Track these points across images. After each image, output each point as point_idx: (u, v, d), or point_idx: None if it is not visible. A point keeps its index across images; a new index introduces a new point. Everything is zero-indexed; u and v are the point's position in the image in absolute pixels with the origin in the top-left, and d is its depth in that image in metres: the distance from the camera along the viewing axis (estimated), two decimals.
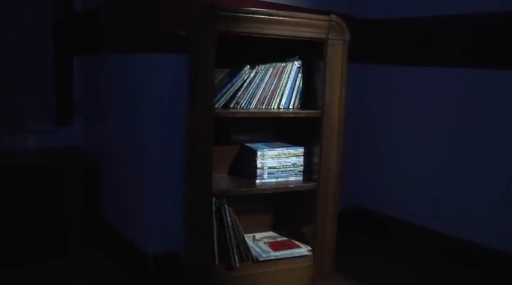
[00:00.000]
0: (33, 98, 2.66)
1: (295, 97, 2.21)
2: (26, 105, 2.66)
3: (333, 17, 2.06)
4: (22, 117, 2.64)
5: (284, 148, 2.21)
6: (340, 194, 2.21)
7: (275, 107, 2.19)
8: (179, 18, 2.12)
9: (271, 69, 2.16)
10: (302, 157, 2.23)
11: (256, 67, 2.14)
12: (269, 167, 2.18)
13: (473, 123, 2.57)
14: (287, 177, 2.22)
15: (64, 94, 2.76)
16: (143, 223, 2.28)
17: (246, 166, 2.24)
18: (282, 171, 2.21)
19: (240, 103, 2.12)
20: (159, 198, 2.23)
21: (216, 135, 2.00)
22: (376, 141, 3.06)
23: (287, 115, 2.17)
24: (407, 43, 2.85)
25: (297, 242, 2.29)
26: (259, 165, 2.17)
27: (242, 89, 2.12)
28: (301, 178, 2.23)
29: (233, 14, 1.90)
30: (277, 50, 2.23)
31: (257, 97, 2.15)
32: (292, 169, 2.22)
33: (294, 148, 2.23)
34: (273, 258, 2.17)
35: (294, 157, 2.22)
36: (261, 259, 2.14)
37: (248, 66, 2.12)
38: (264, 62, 2.15)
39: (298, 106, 2.22)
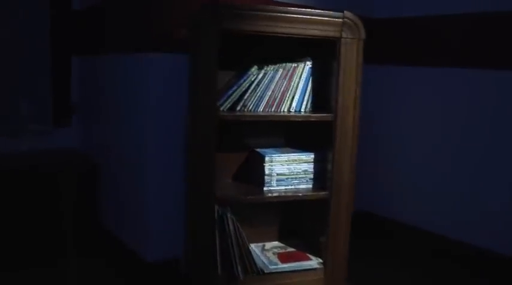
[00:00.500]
0: (30, 98, 2.59)
1: (307, 100, 2.08)
2: (23, 106, 2.58)
3: (347, 14, 1.91)
4: (18, 117, 2.57)
5: (294, 154, 2.08)
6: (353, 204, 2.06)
7: (285, 110, 2.05)
8: (180, 17, 2.03)
9: (281, 70, 2.03)
10: (314, 163, 2.10)
11: (265, 68, 2.01)
12: (278, 174, 2.05)
13: (477, 124, 2.51)
14: (297, 185, 2.08)
15: (61, 95, 2.68)
16: (142, 228, 2.20)
17: (254, 172, 2.12)
18: (292, 178, 2.07)
19: (248, 106, 2.00)
20: (159, 202, 2.14)
21: (221, 139, 1.89)
22: (380, 142, 3.00)
23: (296, 119, 2.04)
24: (411, 43, 2.76)
25: (307, 254, 2.15)
26: (267, 171, 2.04)
27: (249, 91, 2.00)
28: (312, 186, 2.09)
29: (236, 11, 1.79)
30: (288, 50, 2.09)
31: (266, 99, 2.02)
32: (303, 176, 2.08)
33: (306, 153, 2.09)
34: (280, 270, 2.04)
35: (305, 164, 2.08)
36: (267, 271, 2.02)
37: (256, 67, 2.00)
38: (274, 62, 2.03)
39: (310, 109, 2.08)
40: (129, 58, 2.25)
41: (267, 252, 2.19)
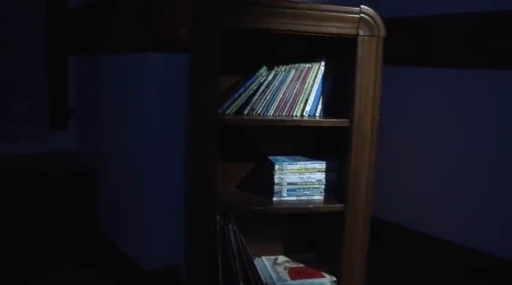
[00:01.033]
0: (25, 100, 2.51)
1: (322, 104, 1.91)
2: (17, 108, 2.50)
3: (364, 9, 1.73)
4: (13, 120, 2.49)
5: (307, 162, 1.91)
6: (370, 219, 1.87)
7: (298, 115, 1.89)
8: (180, 15, 1.91)
9: (293, 71, 1.87)
10: (329, 173, 1.92)
11: (275, 69, 1.86)
12: (289, 184, 1.90)
13: (489, 126, 2.31)
14: (310, 195, 1.92)
15: (58, 96, 2.60)
16: (141, 235, 2.10)
17: (262, 181, 1.97)
18: (304, 188, 1.91)
19: (256, 110, 1.85)
20: (158, 208, 2.04)
21: (227, 145, 1.77)
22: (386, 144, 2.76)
23: (307, 124, 1.87)
24: (417, 42, 2.58)
25: (321, 271, 1.98)
26: (277, 180, 1.89)
27: (258, 93, 1.85)
28: (326, 198, 1.92)
29: (239, 7, 1.65)
30: (301, 50, 1.93)
31: (276, 103, 1.87)
32: (317, 186, 1.92)
33: (319, 162, 1.92)
34: None
35: (318, 173, 1.91)
36: None
37: (265, 67, 1.85)
38: (285, 63, 1.87)
39: (326, 113, 1.91)
40: (128, 58, 2.14)
41: (278, 266, 2.03)
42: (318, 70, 1.89)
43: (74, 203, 2.45)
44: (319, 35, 1.74)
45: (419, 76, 2.57)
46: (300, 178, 1.91)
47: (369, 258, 1.93)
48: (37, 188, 2.35)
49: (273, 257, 2.11)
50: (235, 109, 1.85)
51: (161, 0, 1.92)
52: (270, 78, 1.86)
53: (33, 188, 2.35)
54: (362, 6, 1.73)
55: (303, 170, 1.90)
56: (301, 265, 2.04)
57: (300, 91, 1.89)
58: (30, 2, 2.53)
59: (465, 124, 2.39)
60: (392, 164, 2.70)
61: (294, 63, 1.87)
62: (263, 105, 1.86)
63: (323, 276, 1.93)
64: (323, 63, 1.89)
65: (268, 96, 1.86)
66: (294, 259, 2.10)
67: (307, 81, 1.89)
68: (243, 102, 1.85)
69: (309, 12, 1.70)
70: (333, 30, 1.73)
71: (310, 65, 1.88)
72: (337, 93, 1.92)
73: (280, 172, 1.89)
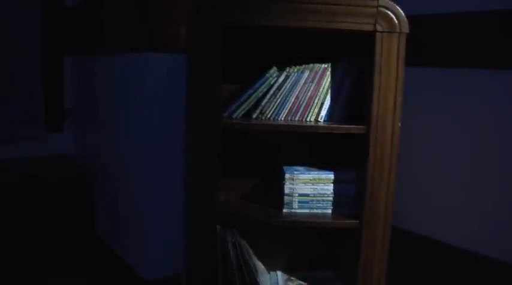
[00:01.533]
0: (20, 102, 2.49)
1: (341, 108, 1.72)
2: (12, 110, 2.48)
3: (383, 1, 1.54)
4: (7, 122, 2.47)
5: (321, 172, 1.74)
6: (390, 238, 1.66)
7: (312, 120, 1.72)
8: (180, 14, 1.81)
9: (307, 72, 1.71)
10: (345, 184, 1.74)
11: (287, 70, 1.71)
12: (300, 195, 1.73)
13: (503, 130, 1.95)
14: (323, 209, 1.74)
15: (54, 98, 2.57)
16: (141, 243, 2.03)
17: (272, 190, 1.82)
18: (317, 200, 1.73)
19: (266, 114, 1.71)
20: (158, 214, 1.97)
21: (234, 150, 1.66)
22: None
23: (317, 131, 1.70)
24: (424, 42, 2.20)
25: None
26: (287, 191, 1.73)
27: (268, 96, 1.71)
28: (342, 211, 1.74)
29: (241, 2, 1.51)
30: (317, 48, 1.76)
31: (288, 106, 1.72)
32: (331, 198, 1.74)
33: (335, 172, 1.74)
34: None
35: (334, 184, 1.74)
36: None
37: (275, 68, 1.70)
38: (298, 63, 1.71)
39: (344, 119, 1.72)
40: (127, 59, 2.08)
41: (291, 282, 1.87)
42: (335, 71, 1.71)
43: (71, 209, 2.41)
44: (332, 31, 1.57)
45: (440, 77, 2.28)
46: (313, 189, 1.74)
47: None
48: (33, 193, 2.33)
49: (286, 276, 1.95)
50: (242, 112, 1.72)
51: None
52: (281, 79, 1.71)
53: (28, 193, 2.32)
54: None
55: (317, 181, 1.73)
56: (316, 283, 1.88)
57: (315, 94, 1.72)
58: (25, 1, 2.52)
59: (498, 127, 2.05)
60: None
61: (308, 63, 1.72)
62: (273, 108, 1.72)
63: None
64: (340, 63, 1.72)
65: (279, 99, 1.72)
66: (311, 276, 1.93)
67: (323, 83, 1.72)
68: (251, 105, 1.72)
69: (319, 6, 1.53)
70: (347, 26, 1.55)
71: (326, 65, 1.72)
72: (357, 97, 1.73)
73: (291, 181, 1.73)
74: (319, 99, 1.73)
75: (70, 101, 2.75)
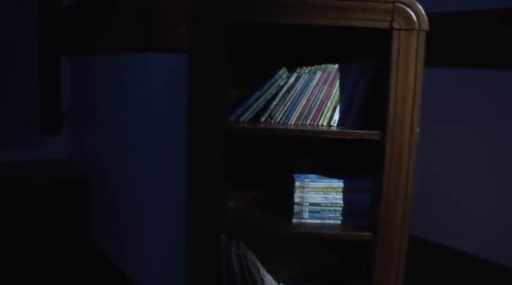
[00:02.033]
0: (16, 103, 2.43)
1: (356, 112, 1.61)
2: (7, 112, 2.42)
3: None
4: (1, 125, 2.40)
5: (334, 180, 1.64)
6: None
7: (324, 124, 1.61)
8: (180, 12, 1.76)
9: (319, 73, 1.61)
10: (360, 193, 1.63)
11: (298, 70, 1.61)
12: (311, 204, 1.63)
13: None
14: (336, 219, 1.63)
15: (50, 99, 2.51)
16: (140, 253, 1.97)
17: (281, 199, 1.72)
18: (329, 210, 1.62)
19: (275, 117, 1.62)
20: (158, 222, 1.91)
21: (241, 155, 1.60)
22: None
23: (331, 136, 1.58)
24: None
25: None
26: (297, 199, 1.63)
27: (278, 98, 1.62)
28: (355, 222, 1.62)
29: None
30: (331, 48, 1.66)
31: (299, 109, 1.62)
32: (345, 208, 1.63)
33: (348, 180, 1.64)
34: None
35: (347, 193, 1.63)
36: None
37: (285, 69, 1.60)
38: (310, 63, 1.61)
39: (359, 123, 1.61)
40: (125, 59, 2.02)
41: None
42: (349, 72, 1.61)
43: (67, 214, 2.33)
44: (344, 29, 1.46)
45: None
46: (325, 198, 1.63)
47: None
48: (28, 199, 2.26)
49: None
50: (250, 116, 1.63)
51: None
52: (291, 80, 1.61)
53: (24, 198, 2.26)
54: None
55: (328, 189, 1.63)
56: None
57: (327, 97, 1.62)
58: (22, 1, 2.47)
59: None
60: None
61: (319, 63, 1.61)
62: (283, 111, 1.63)
63: None
64: (355, 63, 1.61)
65: (290, 102, 1.62)
66: None
67: (336, 85, 1.61)
68: (259, 108, 1.63)
69: (331, 2, 1.43)
70: (361, 23, 1.45)
71: (339, 66, 1.61)
72: (372, 100, 1.62)
73: (302, 189, 1.63)
74: (332, 102, 1.62)
75: (67, 102, 2.69)
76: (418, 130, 1.51)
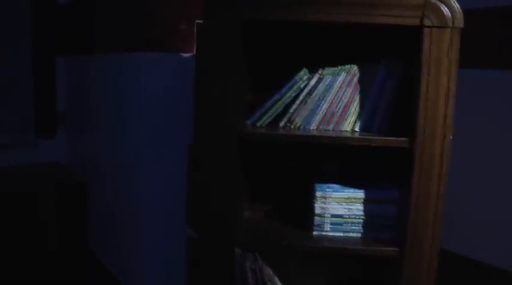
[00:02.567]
0: (9, 106, 2.34)
1: (381, 116, 1.50)
2: (0, 115, 2.33)
3: None
4: None
5: (358, 190, 1.53)
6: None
7: (348, 129, 1.50)
8: (180, 10, 1.73)
9: (343, 74, 1.51)
10: (386, 204, 1.51)
11: (320, 72, 1.50)
12: (333, 216, 1.52)
13: None
14: (360, 232, 1.51)
15: (45, 102, 2.44)
16: (138, 264, 1.90)
17: (301, 209, 1.61)
18: (352, 223, 1.52)
19: (295, 122, 1.52)
20: (156, 229, 1.85)
21: (258, 162, 1.56)
22: None
23: (355, 143, 1.46)
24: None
25: None
26: (318, 211, 1.53)
27: (297, 102, 1.52)
28: (381, 236, 1.50)
29: None
30: (356, 47, 1.56)
31: (321, 114, 1.51)
32: (369, 221, 1.51)
33: (374, 191, 1.52)
34: None
35: (372, 204, 1.51)
36: None
37: (306, 70, 1.50)
38: (333, 64, 1.50)
39: (385, 129, 1.50)
40: (122, 59, 1.96)
41: None
42: (376, 73, 1.49)
43: (62, 221, 2.25)
44: (370, 27, 1.35)
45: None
46: (348, 210, 1.52)
47: None
48: (22, 205, 2.18)
49: None
50: (268, 120, 1.54)
51: None
52: (312, 82, 1.51)
53: (17, 205, 2.18)
54: None
55: (352, 200, 1.52)
56: None
57: (352, 100, 1.51)
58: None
59: None
60: None
61: (343, 64, 1.50)
62: (304, 116, 1.53)
63: None
64: (382, 64, 1.49)
65: (311, 105, 1.52)
66: None
67: (361, 87, 1.50)
68: (278, 112, 1.53)
69: None
70: (389, 20, 1.34)
71: (365, 67, 1.50)
72: (400, 104, 1.50)
73: (323, 200, 1.52)
74: (356, 106, 1.51)
75: (63, 105, 2.62)
76: (451, 136, 1.39)
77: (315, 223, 1.53)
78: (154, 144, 1.85)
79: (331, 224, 1.53)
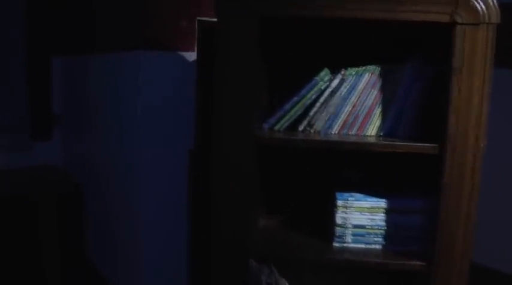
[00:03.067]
0: (3, 107, 2.28)
1: (408, 121, 1.41)
2: None
3: None
4: None
5: (382, 199, 1.44)
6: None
7: (372, 134, 1.41)
8: (181, 6, 1.69)
9: (367, 75, 1.43)
10: (412, 215, 1.42)
11: (342, 72, 1.42)
12: (355, 226, 1.44)
13: None
14: (384, 244, 1.42)
15: (40, 103, 2.39)
16: (136, 273, 1.85)
17: (321, 219, 1.53)
18: (375, 234, 1.43)
19: (315, 126, 1.45)
20: (155, 235, 1.80)
21: (270, 169, 1.48)
22: None
23: (377, 149, 1.38)
24: None
25: None
26: (339, 221, 1.44)
27: (318, 104, 1.44)
28: (406, 249, 1.41)
29: None
30: (381, 46, 1.48)
31: (343, 117, 1.43)
32: (393, 232, 1.41)
33: (398, 200, 1.44)
34: None
35: (396, 215, 1.42)
36: None
37: (327, 70, 1.42)
38: (356, 64, 1.42)
39: (412, 134, 1.41)
40: (120, 58, 1.92)
41: None
42: (403, 74, 1.40)
43: (58, 226, 2.19)
44: (396, 24, 1.27)
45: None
46: (371, 220, 1.44)
47: None
48: (15, 208, 2.12)
49: None
50: (286, 124, 1.46)
51: None
52: (334, 83, 1.43)
53: (10, 208, 2.12)
54: None
55: (375, 210, 1.43)
56: None
57: (377, 103, 1.43)
58: None
59: None
60: None
61: (368, 64, 1.42)
62: (325, 119, 1.45)
63: None
64: (409, 64, 1.40)
65: (332, 108, 1.44)
66: None
67: (387, 89, 1.41)
68: (297, 115, 1.45)
69: None
70: (416, 16, 1.26)
71: (391, 67, 1.42)
72: (429, 107, 1.41)
73: (345, 209, 1.44)
74: (381, 109, 1.43)
75: (59, 106, 2.56)
76: (485, 143, 1.29)
77: (335, 234, 1.46)
78: (153, 146, 1.82)
79: (353, 235, 1.45)
